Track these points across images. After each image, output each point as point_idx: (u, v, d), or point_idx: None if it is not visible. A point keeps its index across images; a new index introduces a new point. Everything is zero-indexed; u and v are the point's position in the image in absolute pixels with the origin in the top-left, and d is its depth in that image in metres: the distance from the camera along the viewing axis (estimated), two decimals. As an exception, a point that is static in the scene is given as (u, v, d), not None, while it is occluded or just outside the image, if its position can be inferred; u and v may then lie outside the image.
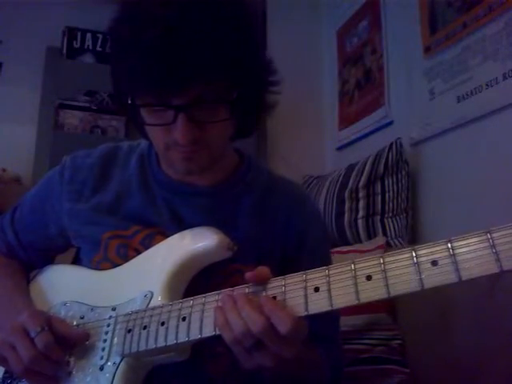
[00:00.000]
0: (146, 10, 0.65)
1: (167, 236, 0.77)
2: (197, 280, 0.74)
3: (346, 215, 1.65)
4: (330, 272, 0.58)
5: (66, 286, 0.83)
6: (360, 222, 1.61)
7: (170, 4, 0.63)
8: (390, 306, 1.35)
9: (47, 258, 0.91)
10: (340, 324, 0.89)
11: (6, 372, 0.78)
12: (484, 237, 0.50)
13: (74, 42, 2.01)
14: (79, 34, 2.01)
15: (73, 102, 1.97)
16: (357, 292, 0.55)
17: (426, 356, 1.35)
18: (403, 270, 0.53)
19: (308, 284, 0.58)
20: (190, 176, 0.79)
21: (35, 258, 0.90)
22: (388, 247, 1.48)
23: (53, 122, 1.94)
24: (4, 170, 1.85)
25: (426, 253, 0.53)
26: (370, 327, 1.31)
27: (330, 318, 0.86)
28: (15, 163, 1.88)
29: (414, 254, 0.53)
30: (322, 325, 0.81)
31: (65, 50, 2.00)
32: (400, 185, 1.57)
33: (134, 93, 0.69)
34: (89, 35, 2.01)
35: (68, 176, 0.84)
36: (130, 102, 0.68)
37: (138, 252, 0.78)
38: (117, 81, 0.73)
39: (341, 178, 1.74)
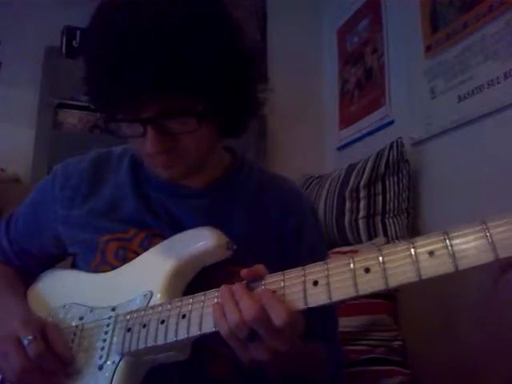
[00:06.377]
0: (105, 26, 0.65)
1: (165, 237, 0.77)
2: (195, 282, 0.74)
3: (347, 215, 1.65)
4: (329, 266, 0.58)
5: (65, 289, 0.83)
6: (361, 222, 1.61)
7: (129, 18, 0.63)
8: (390, 307, 1.35)
9: (43, 267, 0.90)
10: (339, 325, 0.89)
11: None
12: (479, 227, 0.50)
13: (73, 42, 2.01)
14: (78, 33, 2.01)
15: (72, 101, 1.98)
16: (355, 284, 0.55)
17: (427, 357, 1.35)
18: (401, 262, 0.54)
19: (307, 278, 0.59)
20: (174, 181, 0.79)
21: (31, 266, 0.90)
22: (389, 247, 1.48)
23: (52, 122, 1.94)
24: (3, 170, 1.85)
25: (422, 244, 0.53)
26: (370, 328, 1.31)
27: (331, 318, 0.86)
28: (14, 163, 1.88)
29: (411, 246, 0.54)
30: (324, 325, 0.82)
31: (64, 50, 2.00)
32: (401, 184, 1.57)
33: (104, 108, 0.71)
34: (88, 34, 2.01)
35: (59, 183, 0.84)
36: (103, 116, 0.71)
37: (137, 254, 0.78)
38: (90, 97, 0.74)
39: (341, 177, 1.75)
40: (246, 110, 0.77)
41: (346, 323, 1.26)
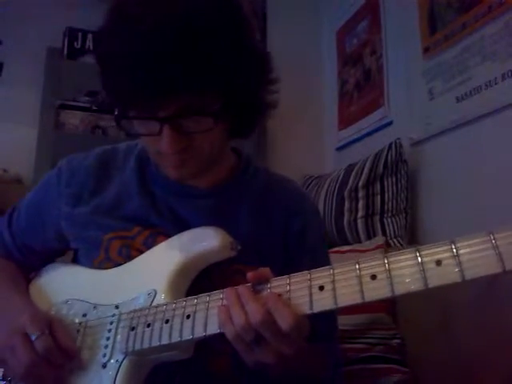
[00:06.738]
0: (126, 24, 0.65)
1: (169, 236, 0.77)
2: (199, 280, 0.74)
3: (346, 215, 1.65)
4: (335, 271, 0.58)
5: (68, 285, 0.82)
6: (359, 221, 1.61)
7: (150, 17, 0.63)
8: (389, 305, 1.35)
9: (44, 261, 0.90)
10: (338, 323, 0.90)
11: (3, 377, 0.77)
12: (487, 237, 0.50)
13: (75, 43, 2.01)
14: (80, 34, 2.01)
15: (74, 102, 1.98)
16: (361, 291, 0.55)
17: (426, 355, 1.36)
18: (408, 270, 0.53)
19: (313, 283, 0.59)
20: (183, 181, 0.79)
21: (33, 260, 0.90)
22: (387, 247, 1.49)
23: (54, 123, 1.94)
24: (5, 171, 1.85)
25: (429, 253, 0.53)
26: (369, 326, 1.31)
27: (331, 317, 0.87)
28: (16, 164, 1.88)
29: (417, 254, 0.53)
30: (324, 324, 0.81)
31: (66, 51, 2.01)
32: (399, 185, 1.57)
33: (120, 106, 0.70)
34: (89, 36, 2.01)
35: (65, 179, 0.84)
36: (116, 113, 0.70)
37: (141, 252, 0.78)
38: (106, 94, 0.74)
39: (340, 177, 1.75)
40: (259, 110, 0.77)
41: (345, 321, 1.26)
